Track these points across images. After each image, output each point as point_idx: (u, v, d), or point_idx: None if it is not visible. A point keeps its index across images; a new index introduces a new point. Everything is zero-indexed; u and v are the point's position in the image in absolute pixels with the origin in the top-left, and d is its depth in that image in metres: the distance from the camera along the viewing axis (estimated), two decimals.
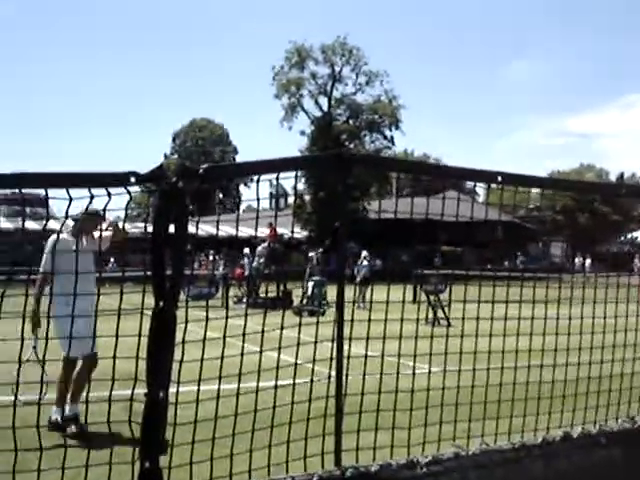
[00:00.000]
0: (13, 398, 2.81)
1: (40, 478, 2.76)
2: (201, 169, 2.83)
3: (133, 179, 2.67)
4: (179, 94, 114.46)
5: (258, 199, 3.09)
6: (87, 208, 2.83)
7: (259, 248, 24.16)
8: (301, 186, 43.77)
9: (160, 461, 2.85)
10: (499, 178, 3.77)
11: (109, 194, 2.68)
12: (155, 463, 2.85)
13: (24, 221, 3.82)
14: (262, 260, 23.95)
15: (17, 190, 2.65)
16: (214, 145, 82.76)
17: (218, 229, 3.70)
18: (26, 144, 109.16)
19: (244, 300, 23.99)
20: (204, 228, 25.35)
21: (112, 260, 31.08)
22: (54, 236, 5.41)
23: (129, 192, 2.74)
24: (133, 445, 2.82)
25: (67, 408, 6.26)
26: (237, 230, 3.17)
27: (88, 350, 5.61)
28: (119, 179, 2.66)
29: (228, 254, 31.41)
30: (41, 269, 6.11)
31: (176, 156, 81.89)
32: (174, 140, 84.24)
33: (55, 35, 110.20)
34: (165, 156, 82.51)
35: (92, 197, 2.63)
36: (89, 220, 5.79)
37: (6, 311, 2.63)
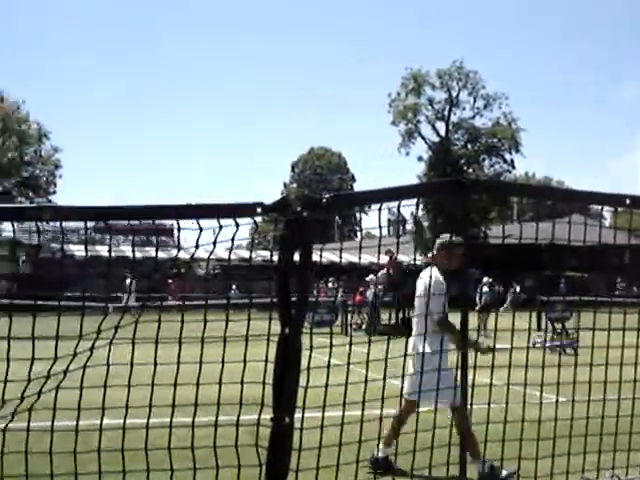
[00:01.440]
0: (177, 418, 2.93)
1: None
2: (324, 198, 2.89)
3: (259, 209, 2.76)
4: (298, 124, 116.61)
5: (380, 227, 3.12)
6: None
7: (378, 275, 24.15)
8: (419, 212, 43.52)
9: None
10: (627, 201, 3.65)
11: (237, 224, 2.78)
12: None
13: (157, 250, 3.99)
14: (381, 287, 23.92)
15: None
16: (332, 173, 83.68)
17: (341, 257, 3.74)
18: (153, 178, 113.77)
19: (363, 327, 24.01)
20: (324, 255, 25.46)
21: (234, 287, 31.90)
22: (434, 273, 4.99)
23: (255, 222, 2.84)
24: (259, 469, 2.88)
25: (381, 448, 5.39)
26: (359, 257, 3.20)
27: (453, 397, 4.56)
28: (247, 210, 2.75)
29: (347, 281, 31.58)
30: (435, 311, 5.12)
31: (295, 185, 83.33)
32: (293, 169, 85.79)
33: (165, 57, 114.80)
34: (284, 185, 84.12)
35: (221, 227, 2.73)
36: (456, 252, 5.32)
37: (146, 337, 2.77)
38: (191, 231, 2.74)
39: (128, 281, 34.31)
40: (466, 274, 5.92)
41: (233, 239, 2.80)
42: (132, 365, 2.77)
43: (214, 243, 2.74)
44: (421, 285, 5.35)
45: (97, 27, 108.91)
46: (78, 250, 39.84)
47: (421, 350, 4.37)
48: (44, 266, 42.06)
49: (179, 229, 2.71)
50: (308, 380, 2.94)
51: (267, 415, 2.87)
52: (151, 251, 37.81)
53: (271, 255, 2.79)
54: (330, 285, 32.16)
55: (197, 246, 2.71)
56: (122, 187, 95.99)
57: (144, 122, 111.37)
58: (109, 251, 37.03)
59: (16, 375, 2.68)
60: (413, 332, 5.40)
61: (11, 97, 51.33)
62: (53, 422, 2.78)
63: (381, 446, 5.21)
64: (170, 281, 34.22)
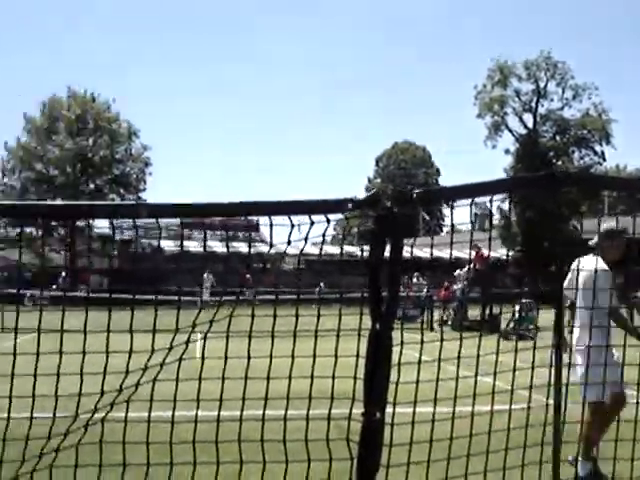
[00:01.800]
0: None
1: None
2: (415, 193, 2.87)
3: (350, 205, 2.77)
4: (381, 117, 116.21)
5: (472, 222, 3.09)
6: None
7: (464, 270, 23.88)
8: (505, 206, 42.83)
9: None
10: None
11: (328, 220, 2.80)
12: None
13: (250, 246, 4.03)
14: (467, 282, 23.65)
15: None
16: (417, 167, 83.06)
17: (433, 250, 3.73)
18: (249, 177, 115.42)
19: (449, 323, 23.78)
20: (409, 250, 25.31)
21: (321, 283, 32.09)
22: (599, 264, 4.92)
23: (347, 218, 2.86)
24: (350, 463, 2.89)
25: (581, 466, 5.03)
26: (449, 251, 3.17)
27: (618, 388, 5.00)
28: (338, 206, 2.77)
29: (433, 276, 31.30)
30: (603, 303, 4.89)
31: (379, 180, 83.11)
32: (377, 164, 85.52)
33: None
34: (369, 180, 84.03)
35: (312, 223, 2.75)
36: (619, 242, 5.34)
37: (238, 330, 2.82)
38: (277, 227, 2.78)
39: (205, 275, 35.07)
40: (628, 264, 5.84)
41: (324, 235, 2.82)
42: (226, 358, 2.82)
43: (305, 239, 2.76)
44: (585, 276, 5.21)
45: (186, 20, 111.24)
46: (168, 246, 40.86)
47: (587, 343, 4.40)
48: (135, 261, 43.27)
49: (271, 225, 2.74)
50: (399, 375, 2.93)
51: (357, 410, 2.88)
52: (238, 247, 38.45)
53: (362, 251, 2.79)
54: (415, 280, 31.98)
55: (289, 242, 2.74)
56: (208, 184, 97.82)
57: (232, 118, 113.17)
58: (204, 246, 37.86)
59: (114, 367, 2.77)
60: (577, 324, 5.35)
61: (102, 97, 52.94)
62: (150, 413, 2.85)
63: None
64: (247, 276, 34.68)
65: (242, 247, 35.75)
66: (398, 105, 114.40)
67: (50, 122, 51.50)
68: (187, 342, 2.81)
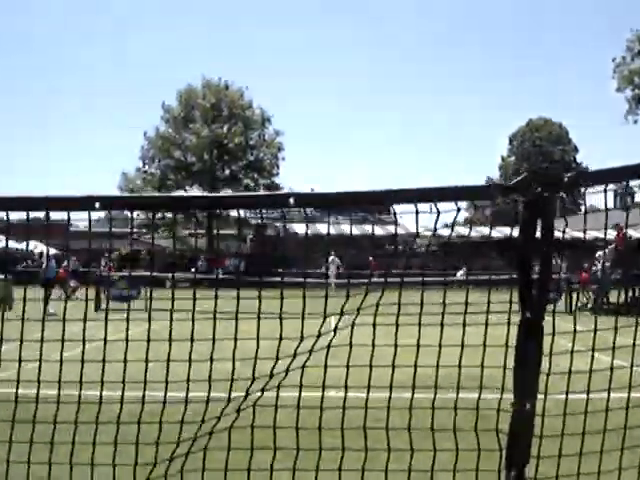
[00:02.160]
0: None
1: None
2: (566, 177, 2.77)
3: (498, 191, 2.70)
4: (515, 95, 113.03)
5: (628, 208, 2.94)
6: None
7: (606, 251, 22.93)
8: None
9: (525, 472, 2.83)
10: None
11: (475, 207, 2.75)
12: (520, 473, 2.84)
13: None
14: (608, 264, 22.71)
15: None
16: (553, 145, 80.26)
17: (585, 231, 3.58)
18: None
19: (588, 306, 22.97)
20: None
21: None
22: None
23: (494, 204, 2.79)
24: (498, 453, 2.83)
25: None
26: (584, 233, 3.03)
27: None
28: (486, 192, 2.71)
29: (571, 258, 30.27)
30: None
31: (513, 158, 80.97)
32: (511, 142, 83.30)
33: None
34: (502, 159, 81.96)
35: (459, 210, 2.70)
36: None
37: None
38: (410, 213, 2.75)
39: (330, 258, 35.39)
40: None
41: (471, 221, 2.76)
42: (374, 346, 2.83)
43: (452, 226, 2.72)
44: None
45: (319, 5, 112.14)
46: (300, 229, 41.51)
47: None
48: (270, 244, 44.30)
49: (417, 212, 2.70)
50: (550, 364, 2.84)
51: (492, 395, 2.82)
52: (370, 229, 38.60)
53: (511, 234, 2.72)
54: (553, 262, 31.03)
55: (435, 230, 2.69)
56: (336, 169, 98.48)
57: (358, 104, 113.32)
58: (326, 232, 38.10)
59: (264, 352, 2.84)
60: None
61: (235, 84, 54.26)
62: (300, 397, 2.90)
63: None
64: (371, 258, 34.66)
65: (374, 229, 35.79)
66: (531, 81, 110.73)
67: (187, 111, 53.33)
68: (335, 329, 2.83)
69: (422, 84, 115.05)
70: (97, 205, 2.73)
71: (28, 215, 2.95)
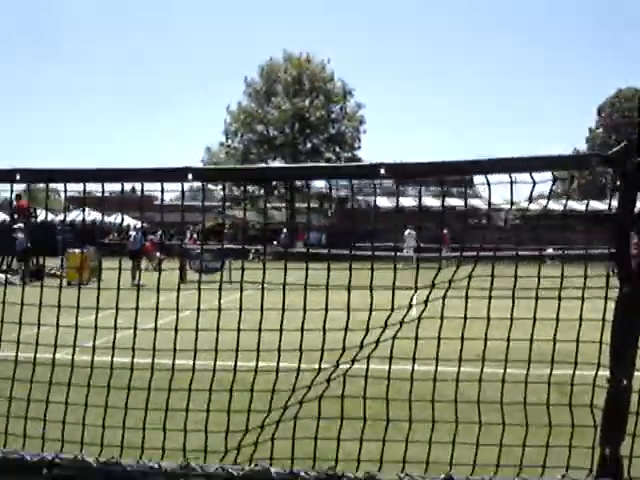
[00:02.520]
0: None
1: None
2: None
3: (596, 161, 2.61)
4: (603, 64, 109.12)
5: None
6: None
7: None
8: None
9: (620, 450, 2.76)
10: None
11: (554, 179, 2.66)
12: (615, 451, 2.77)
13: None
14: None
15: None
16: None
17: None
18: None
19: None
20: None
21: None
22: None
23: (591, 173, 2.71)
24: (593, 430, 2.77)
25: None
26: None
27: None
28: (583, 161, 2.62)
29: None
30: None
31: (601, 130, 78.46)
32: (599, 113, 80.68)
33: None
34: (590, 130, 79.54)
35: (555, 180, 2.62)
36: None
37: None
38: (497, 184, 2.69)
39: (407, 232, 35.09)
40: None
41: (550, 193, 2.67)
42: (465, 318, 2.80)
43: (548, 196, 2.64)
44: None
45: None
46: (381, 202, 41.33)
47: None
48: (351, 217, 44.25)
49: (513, 183, 2.64)
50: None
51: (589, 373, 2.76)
52: (450, 201, 38.14)
53: (609, 205, 2.62)
54: None
55: (531, 200, 2.63)
56: (417, 143, 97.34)
57: (440, 74, 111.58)
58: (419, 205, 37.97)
59: (361, 322, 2.86)
60: None
61: (317, 57, 54.14)
62: (390, 368, 2.89)
63: None
64: (445, 231, 34.18)
65: (456, 202, 35.39)
66: (621, 49, 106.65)
67: (269, 85, 53.59)
68: (426, 300, 2.81)
69: (503, 52, 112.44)
70: (190, 176, 2.77)
71: (123, 187, 3.02)
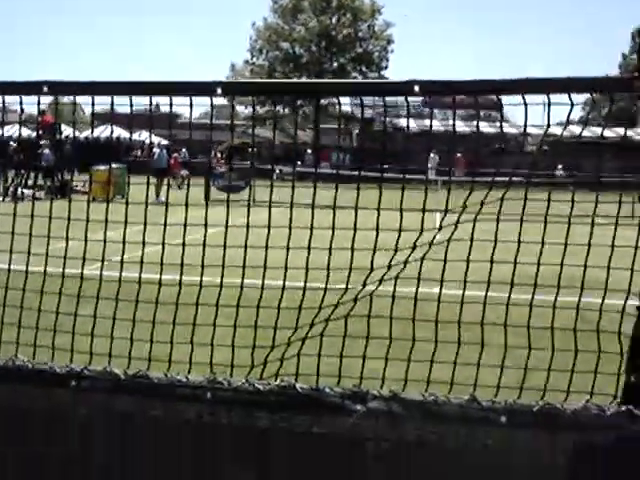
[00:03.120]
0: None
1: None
2: None
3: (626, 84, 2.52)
4: None
5: None
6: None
7: None
8: None
9: None
10: None
11: (593, 102, 2.60)
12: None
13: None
14: None
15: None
16: None
17: None
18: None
19: None
20: None
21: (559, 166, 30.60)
22: None
23: (612, 100, 2.62)
24: (619, 357, 2.76)
25: None
26: None
27: None
28: (604, 82, 2.54)
29: None
30: None
31: (635, 56, 76.39)
32: (634, 39, 78.46)
33: None
34: (623, 56, 77.54)
35: (572, 105, 2.53)
36: None
37: None
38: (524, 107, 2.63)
39: (431, 155, 34.89)
40: None
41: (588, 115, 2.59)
42: (496, 241, 2.77)
43: (585, 121, 2.56)
44: None
45: None
46: (405, 124, 40.87)
47: None
48: (374, 140, 43.90)
49: (548, 104, 2.56)
50: None
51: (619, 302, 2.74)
52: (479, 126, 37.59)
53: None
54: None
55: (568, 123, 2.56)
56: (445, 64, 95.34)
57: None
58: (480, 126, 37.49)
59: (387, 244, 2.84)
60: None
61: None
62: (417, 289, 2.89)
63: None
64: (459, 155, 33.93)
65: (484, 127, 34.98)
66: None
67: (295, 1, 52.52)
68: (456, 223, 2.78)
69: None
70: (219, 90, 2.72)
71: (151, 101, 2.98)
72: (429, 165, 34.82)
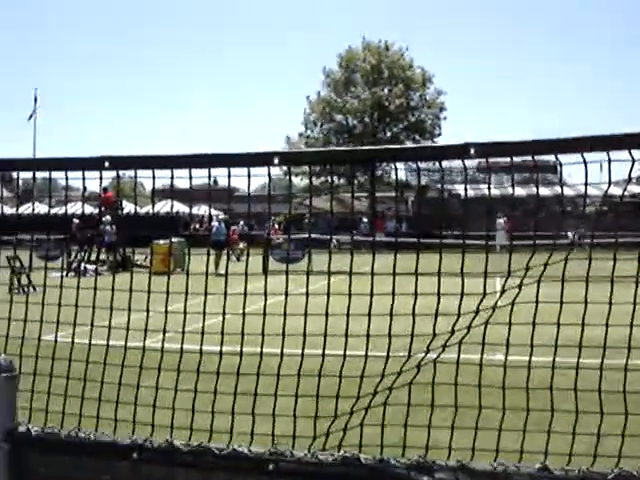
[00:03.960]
0: None
1: None
2: None
3: None
4: None
5: None
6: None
7: None
8: None
9: None
10: None
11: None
12: None
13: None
14: None
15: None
16: None
17: None
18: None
19: None
20: None
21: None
22: None
23: None
24: None
25: None
26: None
27: None
28: None
29: None
30: None
31: None
32: None
33: None
34: None
35: (634, 161, 2.47)
36: None
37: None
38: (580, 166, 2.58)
39: (499, 220, 34.79)
40: None
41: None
42: (562, 303, 2.70)
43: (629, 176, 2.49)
44: None
45: None
46: (463, 189, 40.87)
47: None
48: (431, 206, 43.89)
49: (585, 163, 2.51)
50: None
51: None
52: (535, 188, 37.36)
53: None
54: None
55: (630, 180, 2.50)
56: (498, 129, 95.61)
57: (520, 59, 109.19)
58: (489, 189, 37.37)
59: (446, 309, 2.79)
60: None
61: (395, 45, 53.78)
62: (482, 356, 2.82)
63: None
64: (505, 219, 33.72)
65: (542, 190, 34.72)
66: None
67: (347, 74, 53.61)
68: (520, 286, 2.73)
69: (586, 34, 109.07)
70: (276, 160, 2.76)
71: (210, 173, 3.03)
72: (497, 231, 34.69)
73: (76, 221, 26.17)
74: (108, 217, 26.52)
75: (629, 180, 2.54)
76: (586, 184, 2.65)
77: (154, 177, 3.00)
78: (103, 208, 24.67)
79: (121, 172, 3.24)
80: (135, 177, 3.11)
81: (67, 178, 3.17)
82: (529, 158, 2.71)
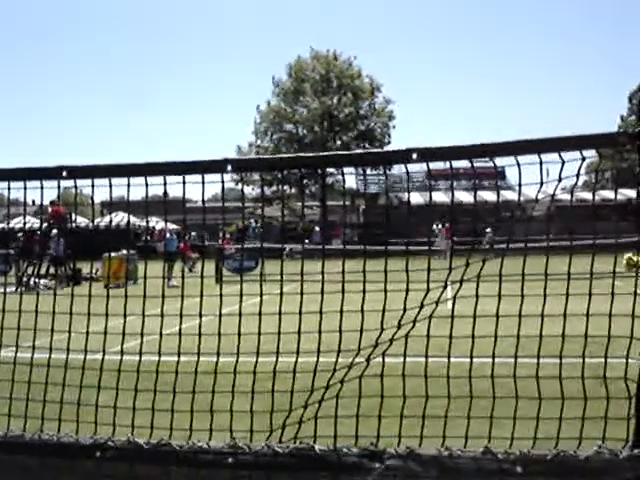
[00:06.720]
0: None
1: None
2: None
3: (626, 139, 2.65)
4: (634, 52, 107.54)
5: None
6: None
7: None
8: None
9: None
10: None
11: (583, 158, 2.69)
12: None
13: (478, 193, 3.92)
14: None
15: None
16: None
17: None
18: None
19: None
20: None
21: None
22: None
23: (622, 154, 2.75)
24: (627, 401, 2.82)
25: None
26: None
27: None
28: (614, 139, 2.67)
29: None
30: None
31: (634, 117, 77.32)
32: (630, 101, 79.59)
33: None
34: (621, 118, 78.55)
35: (584, 159, 2.66)
36: None
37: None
38: (527, 170, 2.76)
39: (435, 226, 35.32)
40: None
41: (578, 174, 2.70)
42: (498, 317, 2.87)
43: (577, 174, 2.68)
44: None
45: None
46: (413, 198, 41.25)
47: None
48: (379, 214, 44.24)
49: (518, 165, 2.70)
50: None
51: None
52: (482, 194, 37.96)
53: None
54: None
55: (560, 180, 2.68)
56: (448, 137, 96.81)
57: (466, 67, 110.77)
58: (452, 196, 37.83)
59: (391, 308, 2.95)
60: None
61: (343, 54, 54.18)
62: (428, 344, 2.98)
63: None
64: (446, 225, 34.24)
65: (488, 196, 35.30)
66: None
67: (297, 84, 53.75)
68: (460, 281, 2.90)
69: (526, 44, 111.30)
70: (229, 167, 2.88)
71: (165, 182, 3.13)
72: (437, 237, 35.15)
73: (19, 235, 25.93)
74: (55, 230, 26.15)
75: (560, 180, 2.72)
76: (520, 185, 2.83)
77: (111, 185, 3.09)
78: (52, 222, 24.28)
79: (69, 184, 3.27)
80: (92, 186, 3.19)
81: (25, 188, 3.24)
82: (478, 165, 2.89)
